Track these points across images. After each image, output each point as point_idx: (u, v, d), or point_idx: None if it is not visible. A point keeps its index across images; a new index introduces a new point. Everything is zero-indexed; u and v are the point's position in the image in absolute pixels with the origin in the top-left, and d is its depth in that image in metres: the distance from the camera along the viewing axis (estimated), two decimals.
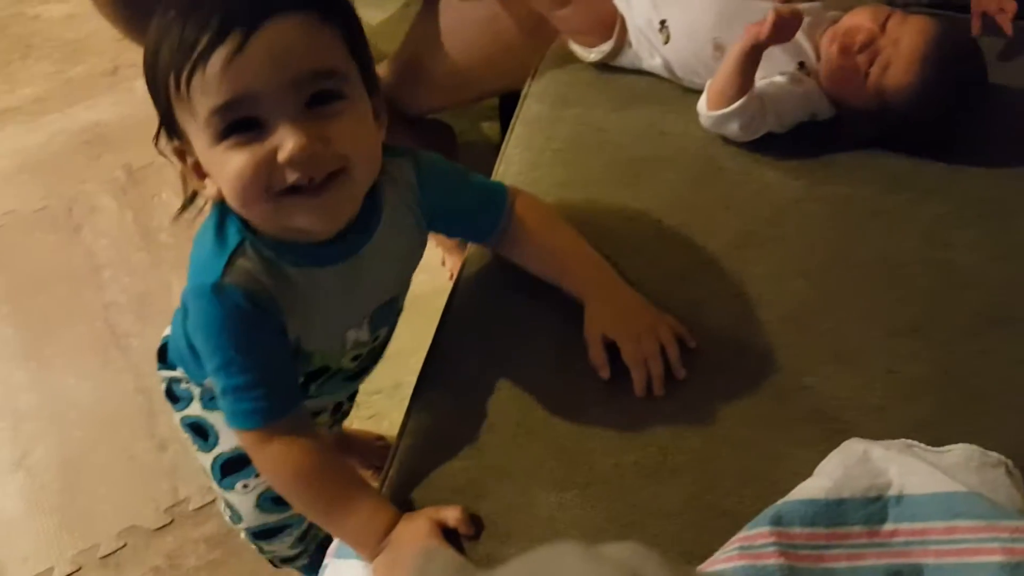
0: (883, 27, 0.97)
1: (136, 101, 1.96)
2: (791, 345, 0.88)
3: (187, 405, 0.96)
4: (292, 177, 0.67)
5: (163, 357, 0.97)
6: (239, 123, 0.67)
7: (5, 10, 2.21)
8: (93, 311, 1.62)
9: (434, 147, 1.60)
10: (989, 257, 0.94)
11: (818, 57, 1.02)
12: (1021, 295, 0.90)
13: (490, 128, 1.78)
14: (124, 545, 1.33)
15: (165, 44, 0.67)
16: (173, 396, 0.98)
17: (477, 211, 0.89)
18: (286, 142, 0.66)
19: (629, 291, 0.89)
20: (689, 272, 0.94)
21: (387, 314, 0.88)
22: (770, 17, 0.92)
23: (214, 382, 0.76)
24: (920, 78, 0.95)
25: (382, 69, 1.54)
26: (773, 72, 1.02)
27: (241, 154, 0.67)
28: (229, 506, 1.00)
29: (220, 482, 0.97)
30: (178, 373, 0.95)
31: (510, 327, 0.91)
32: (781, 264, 0.94)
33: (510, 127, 1.13)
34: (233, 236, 0.74)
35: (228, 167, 0.68)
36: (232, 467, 0.94)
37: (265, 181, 0.68)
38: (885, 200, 1.00)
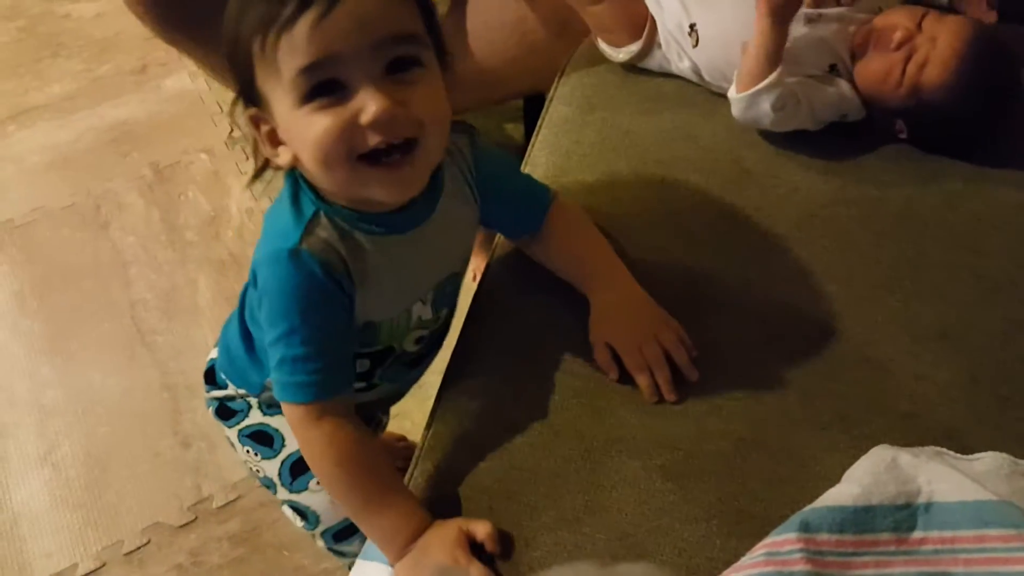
0: (919, 26, 0.97)
1: (164, 99, 1.98)
2: (819, 349, 0.87)
3: (245, 416, 0.96)
4: (374, 140, 0.69)
5: (210, 380, 0.97)
6: (323, 85, 0.69)
7: (36, 8, 2.24)
8: (119, 308, 1.63)
9: None
10: (1019, 262, 0.93)
11: (851, 58, 1.01)
12: None
13: (514, 129, 1.78)
14: (148, 542, 1.34)
15: (251, 11, 0.70)
16: (227, 412, 0.97)
17: (521, 202, 0.91)
18: (369, 105, 0.68)
19: (637, 295, 0.89)
20: (716, 275, 0.94)
21: (448, 293, 0.89)
22: None
23: (272, 354, 0.76)
24: (958, 76, 0.95)
25: None
26: (804, 74, 1.01)
27: (325, 117, 0.69)
28: (302, 511, 0.98)
29: (291, 485, 0.96)
30: (230, 391, 0.95)
31: (535, 327, 0.91)
32: (809, 268, 0.94)
33: (536, 130, 1.13)
34: (308, 206, 0.75)
35: (312, 129, 0.69)
36: (302, 466, 0.92)
37: (348, 144, 0.69)
38: (915, 204, 0.99)
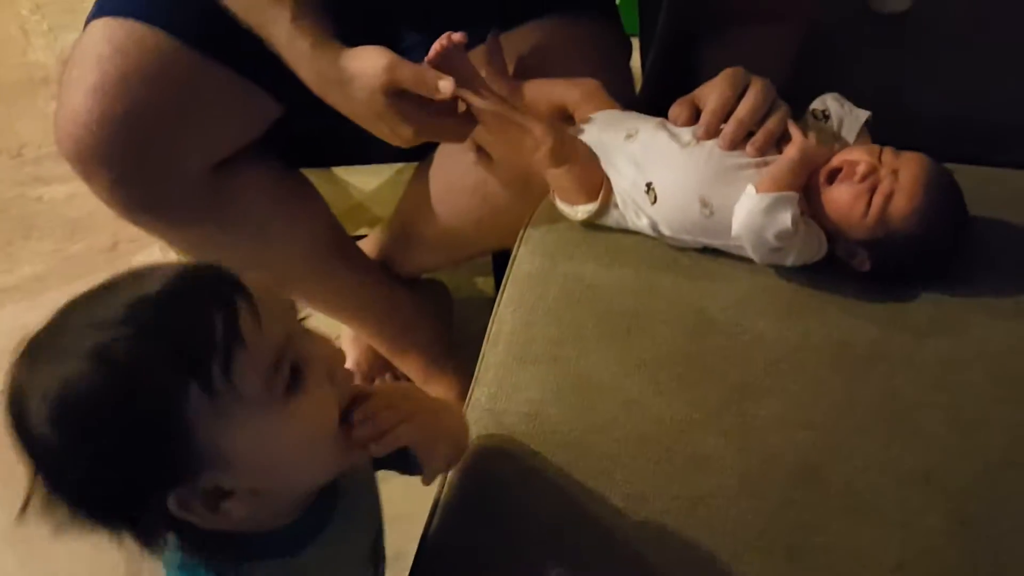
0: (879, 160, 1.00)
1: None
2: (801, 500, 0.85)
3: None
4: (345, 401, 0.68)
5: None
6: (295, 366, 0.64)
7: (8, 193, 2.27)
8: None
9: (429, 305, 1.62)
10: (995, 398, 0.92)
11: (808, 198, 1.02)
12: None
13: (484, 283, 1.79)
14: None
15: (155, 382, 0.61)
16: None
17: None
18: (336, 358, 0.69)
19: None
20: (689, 427, 0.92)
21: (381, 546, 0.84)
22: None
23: None
24: (925, 205, 0.98)
25: (377, 233, 1.58)
26: None
27: (317, 391, 0.65)
28: None
29: None
30: None
31: (516, 486, 0.89)
32: (784, 415, 0.92)
33: (501, 287, 1.13)
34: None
35: (319, 410, 0.66)
36: None
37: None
38: (884, 344, 0.99)
